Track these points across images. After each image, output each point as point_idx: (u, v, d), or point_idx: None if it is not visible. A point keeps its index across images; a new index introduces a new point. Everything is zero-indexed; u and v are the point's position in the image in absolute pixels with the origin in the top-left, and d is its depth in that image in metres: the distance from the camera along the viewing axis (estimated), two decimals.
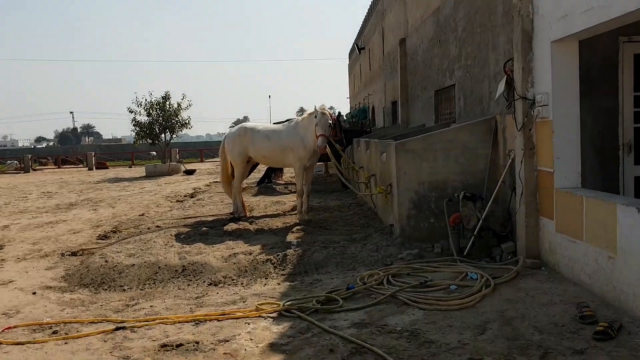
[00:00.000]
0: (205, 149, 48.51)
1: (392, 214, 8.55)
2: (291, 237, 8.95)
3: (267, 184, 17.20)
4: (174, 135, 28.88)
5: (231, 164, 11.04)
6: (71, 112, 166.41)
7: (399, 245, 7.85)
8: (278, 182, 18.19)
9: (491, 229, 7.38)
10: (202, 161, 43.35)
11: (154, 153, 52.27)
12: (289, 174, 20.95)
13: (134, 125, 28.10)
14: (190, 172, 27.69)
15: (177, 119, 28.33)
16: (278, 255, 7.63)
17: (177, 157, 33.07)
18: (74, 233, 11.54)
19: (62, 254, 9.22)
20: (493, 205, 7.41)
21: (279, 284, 6.84)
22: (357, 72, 29.99)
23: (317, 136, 9.40)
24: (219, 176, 24.33)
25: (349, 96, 37.03)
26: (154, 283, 7.17)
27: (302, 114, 10.53)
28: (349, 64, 35.95)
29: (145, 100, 28.21)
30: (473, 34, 8.90)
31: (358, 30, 29.10)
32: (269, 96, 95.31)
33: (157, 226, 10.74)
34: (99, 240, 10.52)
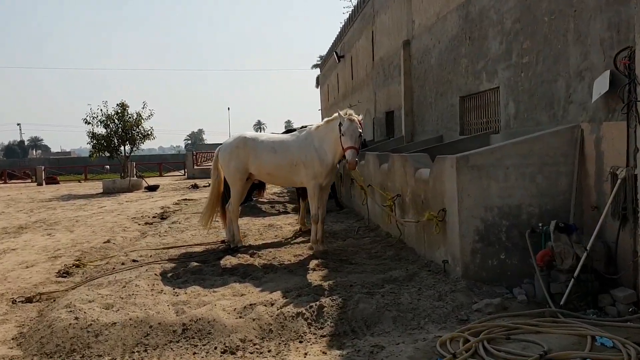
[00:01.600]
0: (164, 163, 45.93)
1: (447, 247, 6.75)
2: (315, 277, 7.04)
3: (251, 204, 15.17)
4: (135, 148, 26.46)
5: (225, 181, 9.06)
6: (18, 124, 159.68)
7: (467, 290, 6.05)
8: (261, 200, 16.19)
9: (594, 270, 5.66)
10: (160, 175, 40.81)
11: (108, 167, 49.27)
12: (271, 190, 18.97)
13: (90, 137, 25.57)
14: (152, 189, 25.35)
15: (137, 130, 25.94)
16: (311, 306, 5.70)
17: (135, 171, 30.55)
18: (27, 267, 9.35)
19: (14, 301, 7.07)
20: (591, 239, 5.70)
21: (323, 352, 4.92)
22: (332, 82, 28.31)
23: (345, 149, 7.54)
24: (189, 193, 22.56)
25: (320, 108, 35.30)
26: (146, 351, 5.14)
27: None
28: (320, 75, 34.25)
29: (101, 110, 25.76)
30: (535, 24, 7.25)
31: (334, 38, 27.46)
32: (228, 108, 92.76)
33: (134, 260, 8.64)
34: (60, 279, 8.40)
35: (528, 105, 7.57)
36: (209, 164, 43.87)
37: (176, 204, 18.89)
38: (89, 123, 25.43)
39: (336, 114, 8.01)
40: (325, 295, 6.06)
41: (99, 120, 25.33)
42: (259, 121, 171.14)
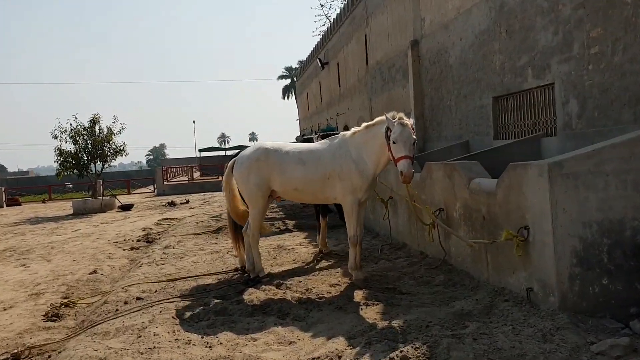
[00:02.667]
0: (132, 180, 44.01)
1: (531, 272, 5.64)
2: (372, 315, 5.84)
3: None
4: (107, 165, 24.78)
5: (242, 199, 7.77)
6: None
7: (572, 326, 4.93)
8: None
9: None
10: (129, 193, 38.96)
11: (71, 185, 46.92)
12: None
13: (57, 154, 23.78)
14: (127, 208, 23.72)
15: (108, 146, 24.28)
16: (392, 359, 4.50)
17: (101, 189, 28.66)
18: (4, 309, 7.97)
19: None
20: None
21: None
22: (313, 90, 27.20)
23: (398, 158, 6.35)
24: (168, 211, 20.98)
25: (298, 118, 34.14)
26: None
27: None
28: (297, 84, 33.10)
29: (71, 125, 24.03)
30: (611, 8, 6.25)
31: (315, 45, 26.41)
32: (194, 121, 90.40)
33: (138, 298, 7.26)
34: (49, 324, 7.02)
35: (600, 102, 6.56)
36: (180, 179, 42.20)
37: (158, 224, 17.43)
38: (57, 137, 23.67)
39: (380, 118, 6.84)
40: (402, 342, 4.87)
41: (69, 136, 23.59)
42: (222, 134, 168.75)
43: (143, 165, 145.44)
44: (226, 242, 11.67)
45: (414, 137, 6.47)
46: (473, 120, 10.00)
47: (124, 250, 12.73)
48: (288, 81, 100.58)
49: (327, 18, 39.53)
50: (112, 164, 24.71)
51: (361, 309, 6.01)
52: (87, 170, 24.35)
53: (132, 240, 13.95)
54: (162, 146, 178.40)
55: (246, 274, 7.85)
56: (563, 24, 7.13)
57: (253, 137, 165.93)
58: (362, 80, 17.62)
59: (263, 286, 7.26)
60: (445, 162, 7.71)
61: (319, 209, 9.56)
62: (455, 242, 7.50)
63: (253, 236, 7.57)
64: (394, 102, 14.43)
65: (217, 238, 12.36)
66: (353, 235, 7.16)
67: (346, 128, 20.44)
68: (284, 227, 13.46)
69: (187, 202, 25.07)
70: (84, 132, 24.02)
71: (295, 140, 34.35)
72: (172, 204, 24.39)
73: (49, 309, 7.75)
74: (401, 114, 6.56)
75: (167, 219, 18.61)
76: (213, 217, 16.67)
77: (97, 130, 24.07)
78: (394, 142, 6.34)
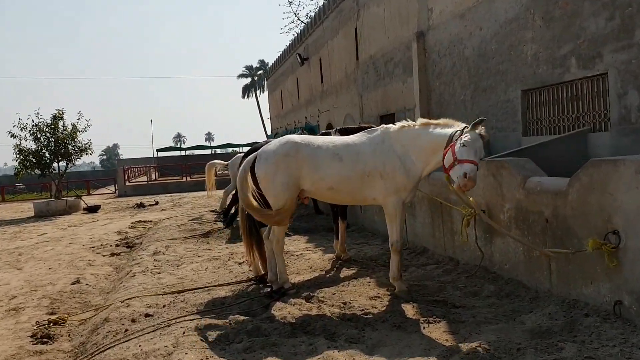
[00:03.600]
0: (92, 179, 42.10)
1: (621, 284, 4.94)
2: (439, 335, 5.04)
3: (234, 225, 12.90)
4: (71, 164, 23.27)
5: (259, 200, 6.81)
6: None
7: None
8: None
9: None
10: (89, 194, 37.17)
11: (23, 186, 44.51)
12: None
13: (17, 153, 22.15)
14: (93, 210, 22.32)
15: (73, 144, 22.77)
16: None
17: (59, 189, 26.80)
18: None
19: None
20: None
21: None
22: (289, 87, 26.28)
23: (462, 160, 5.52)
24: (139, 214, 19.73)
25: (270, 117, 33.11)
26: None
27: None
28: (269, 81, 32.07)
29: (32, 121, 22.44)
30: None
31: (291, 41, 25.50)
32: (151, 120, 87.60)
33: (147, 314, 6.26)
34: (41, 347, 6.00)
35: None
36: (140, 180, 40.57)
37: (132, 227, 16.26)
38: (15, 136, 22.03)
39: (443, 120, 6.02)
40: None
41: (29, 132, 22.00)
42: (178, 134, 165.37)
43: (96, 166, 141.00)
44: (221, 247, 10.70)
45: (484, 153, 5.72)
46: (495, 115, 9.33)
47: (103, 256, 11.60)
48: (248, 80, 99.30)
49: (296, 15, 38.74)
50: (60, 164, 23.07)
51: (424, 328, 5.20)
52: (50, 169, 22.78)
53: (110, 245, 12.80)
54: (116, 146, 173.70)
55: (268, 286, 6.92)
56: (621, 8, 6.49)
57: (209, 137, 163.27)
58: (351, 76, 16.84)
59: (291, 299, 6.37)
60: (489, 159, 6.98)
61: (337, 211, 8.70)
62: (501, 248, 6.79)
63: (278, 242, 6.65)
64: (391, 97, 13.70)
65: (208, 243, 11.36)
66: (396, 241, 6.33)
67: (330, 126, 19.64)
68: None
69: (157, 203, 23.82)
70: (47, 129, 22.46)
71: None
72: (141, 205, 23.08)
73: (35, 328, 6.70)
74: (481, 126, 5.73)
75: (140, 221, 17.43)
76: (194, 219, 15.60)
77: (60, 127, 22.53)
78: (463, 145, 5.52)
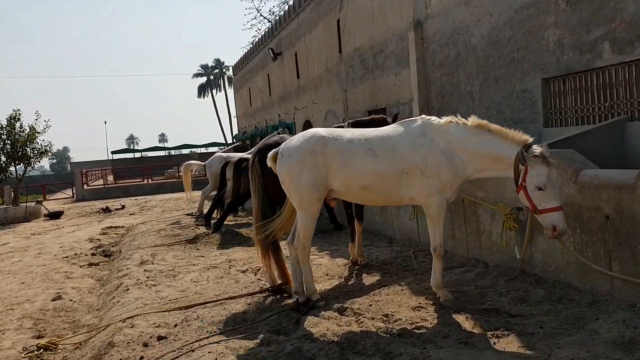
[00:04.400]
0: (48, 184, 40.03)
1: None
2: (514, 348, 4.42)
3: (223, 229, 12.07)
4: (30, 168, 21.84)
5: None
6: None
7: None
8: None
9: None
10: (45, 199, 35.37)
11: None
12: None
13: None
14: (55, 216, 20.99)
15: (32, 146, 21.37)
16: None
17: (11, 195, 25.16)
18: None
19: None
20: None
21: None
22: (259, 84, 25.40)
23: (546, 210, 4.82)
24: (107, 219, 18.52)
25: (236, 115, 32.09)
26: None
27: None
28: (235, 78, 31.06)
29: None
30: None
31: (261, 36, 24.64)
32: (105, 122, 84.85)
33: (160, 337, 5.43)
34: None
35: None
36: (99, 183, 38.91)
37: (103, 234, 15.19)
38: None
39: (493, 127, 5.35)
40: None
41: None
42: (131, 135, 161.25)
43: (46, 170, 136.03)
44: (214, 254, 9.87)
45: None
46: (510, 106, 8.82)
47: (80, 267, 10.60)
48: (204, 79, 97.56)
49: (258, 11, 37.84)
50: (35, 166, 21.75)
51: (494, 343, 4.57)
52: (6, 173, 21.31)
53: (85, 255, 11.77)
54: (66, 149, 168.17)
55: (283, 294, 6.18)
56: None
57: (163, 139, 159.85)
58: (333, 70, 16.17)
59: (322, 312, 5.66)
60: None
61: (352, 212, 8.02)
62: (544, 248, 6.25)
63: (304, 249, 5.91)
64: (382, 91, 13.11)
65: (198, 250, 10.50)
66: (439, 246, 5.70)
67: (308, 123, 18.94)
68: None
69: (123, 207, 22.61)
70: (1, 131, 20.99)
71: (234, 141, 32.36)
72: (106, 210, 21.86)
73: (23, 355, 5.81)
74: (545, 148, 5.04)
75: (111, 227, 16.34)
76: (172, 224, 14.66)
77: (17, 129, 21.09)
78: (539, 189, 4.89)
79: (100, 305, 7.74)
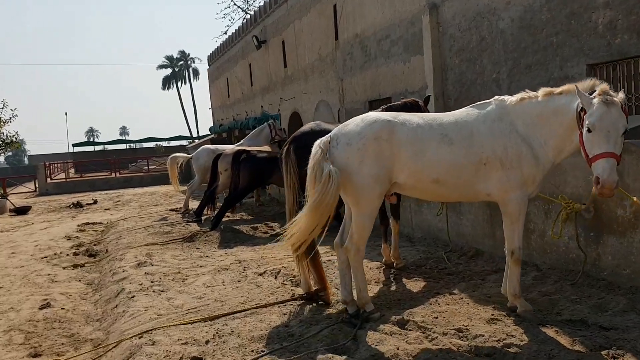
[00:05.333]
0: (8, 177, 38.05)
1: None
2: None
3: (221, 226, 11.14)
4: None
5: (314, 195, 5.19)
6: None
7: None
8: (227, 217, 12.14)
9: None
10: (5, 193, 33.51)
11: None
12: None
13: None
14: (22, 211, 19.65)
15: None
16: None
17: None
18: None
19: None
20: None
21: None
22: (239, 74, 24.33)
23: (593, 157, 4.18)
24: (80, 214, 17.26)
25: (211, 107, 30.90)
26: None
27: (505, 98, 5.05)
28: (210, 69, 29.88)
29: None
30: None
31: (242, 24, 23.60)
32: (66, 113, 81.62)
33: (195, 357, 4.55)
34: None
35: None
36: (61, 177, 37.20)
37: (81, 230, 14.06)
38: None
39: (568, 86, 4.69)
40: None
41: None
42: (91, 128, 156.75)
43: (1, 163, 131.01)
44: (219, 254, 8.98)
45: (625, 123, 4.33)
46: None
47: (64, 268, 9.55)
48: (169, 71, 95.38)
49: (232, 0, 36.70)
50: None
51: None
52: None
53: (67, 255, 10.68)
54: (22, 142, 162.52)
55: (344, 310, 5.35)
56: None
57: (124, 132, 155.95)
58: (327, 58, 15.34)
59: (380, 326, 4.88)
60: None
61: (385, 208, 7.24)
62: (616, 249, 5.60)
63: (357, 252, 5.09)
64: (387, 79, 12.37)
65: (198, 249, 9.57)
66: (517, 249, 4.96)
67: (296, 115, 18.08)
68: (270, 231, 10.92)
69: (95, 202, 21.35)
70: None
71: (209, 133, 31.18)
72: (78, 205, 20.57)
73: None
74: (605, 86, 4.40)
75: (88, 224, 15.18)
76: (159, 220, 13.63)
77: None
78: (588, 130, 4.20)
79: (100, 314, 6.77)
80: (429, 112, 7.59)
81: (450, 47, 10.28)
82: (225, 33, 31.77)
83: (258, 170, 10.68)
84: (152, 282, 7.31)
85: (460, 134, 4.83)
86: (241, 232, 10.62)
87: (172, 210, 15.59)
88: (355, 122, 5.04)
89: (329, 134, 5.13)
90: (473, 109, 5.07)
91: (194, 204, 15.47)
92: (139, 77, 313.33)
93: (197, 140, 47.91)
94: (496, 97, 5.12)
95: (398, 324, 4.91)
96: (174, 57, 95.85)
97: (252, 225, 11.19)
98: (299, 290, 6.32)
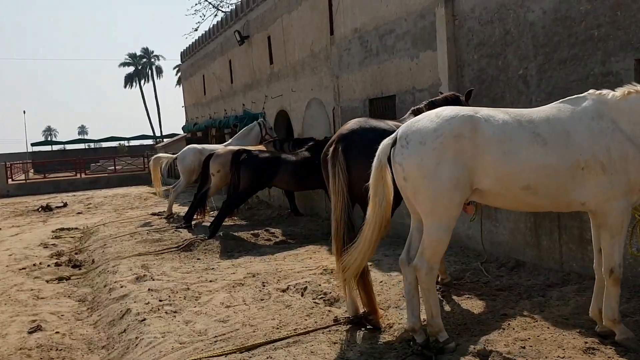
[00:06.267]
0: None
1: None
2: None
3: (221, 233, 10.26)
4: None
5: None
6: None
7: None
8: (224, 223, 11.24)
9: None
10: None
11: None
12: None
13: None
14: None
15: None
16: None
17: None
18: None
19: None
20: None
21: None
22: (216, 71, 23.28)
23: None
24: (51, 218, 15.95)
25: (184, 105, 29.70)
26: None
27: None
28: (184, 65, 28.67)
29: None
30: None
31: (222, 19, 22.60)
32: (24, 112, 78.57)
33: None
34: None
35: None
36: (21, 178, 35.47)
37: (56, 237, 12.98)
38: None
39: None
40: None
41: None
42: (48, 127, 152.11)
43: None
44: (225, 265, 8.13)
45: None
46: (583, 92, 7.57)
47: (48, 282, 8.59)
48: (132, 69, 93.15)
49: None
50: None
51: None
52: None
53: (48, 265, 9.68)
54: None
55: (416, 342, 4.57)
56: None
57: (83, 131, 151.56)
58: (321, 55, 14.56)
59: (460, 358, 4.15)
60: None
61: None
62: None
63: (430, 272, 4.34)
64: (391, 76, 11.68)
65: (199, 259, 8.70)
66: (617, 266, 4.30)
67: (283, 113, 17.26)
68: (273, 237, 10.12)
69: (65, 205, 20.11)
70: None
71: (183, 132, 29.99)
72: (47, 208, 19.33)
73: None
74: None
75: (63, 229, 14.10)
76: (143, 226, 12.65)
77: None
78: None
79: (104, 340, 5.87)
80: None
81: (468, 42, 9.64)
82: (196, 30, 30.76)
83: (260, 171, 9.86)
84: (160, 300, 6.43)
85: (554, 133, 4.15)
86: (243, 240, 9.78)
87: (154, 214, 14.58)
88: (428, 118, 4.30)
89: (396, 132, 4.38)
90: (564, 104, 4.40)
91: (178, 208, 14.54)
92: (99, 75, 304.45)
93: (165, 140, 46.55)
94: (591, 90, 4.46)
95: (480, 355, 4.20)
96: (137, 54, 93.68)
97: (252, 232, 10.34)
98: (336, 311, 5.57)
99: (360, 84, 12.91)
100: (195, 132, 26.43)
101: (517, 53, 8.69)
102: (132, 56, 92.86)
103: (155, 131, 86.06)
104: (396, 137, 4.33)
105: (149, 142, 72.85)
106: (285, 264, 7.87)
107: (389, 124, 5.57)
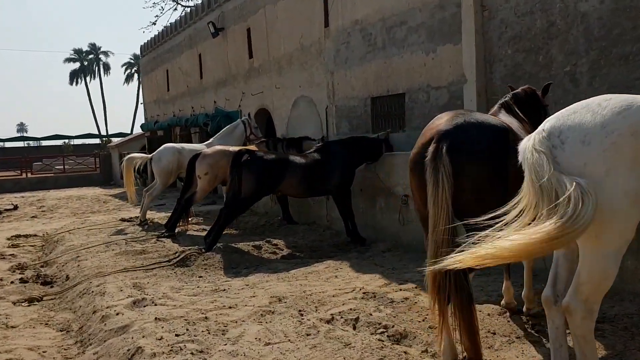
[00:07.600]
0: None
1: None
2: None
3: (219, 246, 8.95)
4: None
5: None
6: None
7: None
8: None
9: None
10: None
11: None
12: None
13: None
14: None
15: None
16: None
17: None
18: None
19: None
20: None
21: None
22: (184, 66, 21.68)
23: None
24: (2, 223, 14.13)
25: (144, 102, 27.86)
26: None
27: None
28: (144, 60, 26.86)
29: None
30: None
31: (192, 9, 21.09)
32: None
33: None
34: None
35: None
36: None
37: (13, 246, 11.34)
38: None
39: None
40: None
41: None
42: (21, 123, 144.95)
43: None
44: (238, 286, 6.87)
45: None
46: None
47: (15, 304, 7.12)
48: (77, 65, 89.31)
49: None
50: None
51: None
52: None
53: (12, 282, 8.20)
54: None
55: None
56: None
57: (23, 128, 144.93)
58: (312, 48, 13.40)
59: None
60: None
61: None
62: None
63: (589, 315, 3.26)
64: (401, 73, 10.69)
65: (201, 277, 7.41)
66: None
67: (263, 112, 16.01)
68: (279, 251, 8.90)
69: (16, 208, 18.16)
70: None
71: (141, 130, 28.13)
72: (13, 207, 17.49)
73: None
74: None
75: (19, 236, 12.43)
76: (116, 234, 11.16)
77: None
78: None
79: None
80: (546, 104, 5.99)
81: (500, 35, 8.72)
82: (155, 24, 29.04)
83: (266, 175, 8.62)
84: (176, 335, 5.12)
85: None
86: (246, 253, 8.51)
87: (124, 220, 13.06)
88: (590, 109, 3.22)
89: (543, 128, 3.30)
90: None
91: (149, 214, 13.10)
92: (42, 70, 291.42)
93: (115, 139, 44.17)
94: None
95: None
96: (83, 50, 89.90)
97: (252, 244, 9.05)
98: (411, 352, 4.45)
99: (361, 81, 11.86)
100: (155, 130, 24.76)
101: (563, 48, 7.82)
102: (78, 52, 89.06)
103: (101, 130, 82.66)
104: (542, 135, 3.26)
105: (95, 141, 69.80)
106: (310, 284, 6.67)
107: (493, 118, 4.49)
